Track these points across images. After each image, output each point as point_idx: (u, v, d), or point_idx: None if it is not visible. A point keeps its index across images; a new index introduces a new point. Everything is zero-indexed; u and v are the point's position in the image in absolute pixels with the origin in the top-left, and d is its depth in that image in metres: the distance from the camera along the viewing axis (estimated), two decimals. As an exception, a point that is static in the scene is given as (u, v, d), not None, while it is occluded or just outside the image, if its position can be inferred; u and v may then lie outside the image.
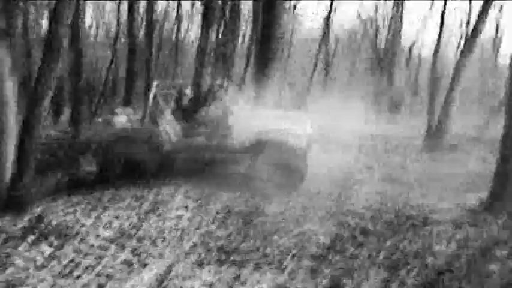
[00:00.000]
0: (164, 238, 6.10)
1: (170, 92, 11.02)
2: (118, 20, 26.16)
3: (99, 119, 11.52)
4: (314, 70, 26.11)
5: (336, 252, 5.34)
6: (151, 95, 10.13)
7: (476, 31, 15.16)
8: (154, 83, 10.35)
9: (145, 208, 7.70)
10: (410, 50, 35.94)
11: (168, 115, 10.34)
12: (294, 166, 9.44)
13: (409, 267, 4.87)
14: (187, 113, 10.70)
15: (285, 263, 4.98)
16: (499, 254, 4.94)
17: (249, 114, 10.17)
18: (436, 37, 19.86)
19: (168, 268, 4.97)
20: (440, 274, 4.62)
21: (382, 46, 34.91)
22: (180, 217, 7.16)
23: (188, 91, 11.13)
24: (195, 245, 5.82)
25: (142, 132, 10.11)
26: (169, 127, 10.23)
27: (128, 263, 5.20)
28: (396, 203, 7.62)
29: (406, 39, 35.80)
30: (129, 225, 6.68)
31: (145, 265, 5.10)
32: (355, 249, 5.48)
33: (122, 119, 10.79)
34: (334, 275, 4.65)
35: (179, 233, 6.34)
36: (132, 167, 10.05)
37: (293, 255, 5.23)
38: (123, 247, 5.69)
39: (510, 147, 6.69)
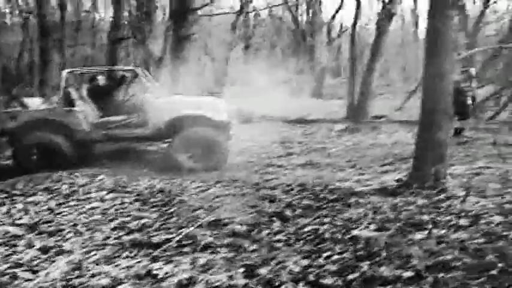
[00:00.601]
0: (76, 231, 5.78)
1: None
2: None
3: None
4: (232, 45, 25.80)
5: (252, 241, 5.12)
6: (62, 84, 9.84)
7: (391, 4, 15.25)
8: (64, 73, 9.98)
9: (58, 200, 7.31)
10: (329, 25, 36.11)
11: (84, 96, 10.17)
12: (214, 143, 9.55)
13: (328, 253, 4.70)
14: (103, 96, 10.55)
15: (198, 255, 4.73)
16: (419, 236, 4.85)
17: (164, 101, 10.03)
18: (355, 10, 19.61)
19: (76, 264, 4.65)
20: (360, 259, 4.48)
21: (304, 20, 34.99)
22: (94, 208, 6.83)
23: (101, 77, 10.98)
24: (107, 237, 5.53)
25: (58, 113, 9.85)
26: (85, 108, 10.01)
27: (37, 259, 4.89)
28: (316, 187, 7.44)
29: (327, 14, 36.10)
30: (39, 220, 6.29)
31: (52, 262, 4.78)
32: (272, 236, 5.28)
33: (37, 101, 10.56)
34: (250, 264, 4.43)
35: (92, 225, 6.01)
36: (47, 153, 9.72)
37: (207, 245, 4.98)
38: (30, 245, 5.33)
39: (426, 120, 6.65)
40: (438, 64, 6.45)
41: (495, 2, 25.36)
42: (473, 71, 12.96)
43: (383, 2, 17.94)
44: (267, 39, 39.06)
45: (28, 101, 10.61)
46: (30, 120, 9.94)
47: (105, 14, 37.09)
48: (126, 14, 18.02)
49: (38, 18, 18.08)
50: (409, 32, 39.11)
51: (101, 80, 11.13)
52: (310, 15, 33.16)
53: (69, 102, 10.01)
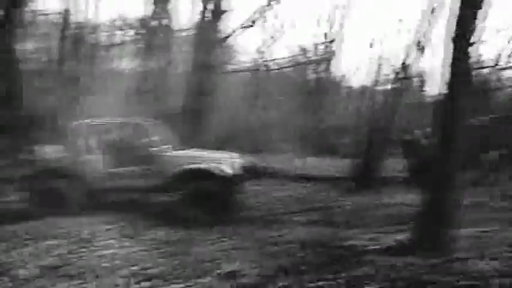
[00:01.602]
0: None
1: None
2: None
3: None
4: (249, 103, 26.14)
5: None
6: (70, 135, 10.43)
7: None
8: (74, 123, 10.49)
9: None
10: (339, 86, 36.39)
11: (94, 146, 10.39)
12: (219, 196, 9.78)
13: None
14: (116, 147, 10.78)
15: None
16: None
17: (173, 154, 10.37)
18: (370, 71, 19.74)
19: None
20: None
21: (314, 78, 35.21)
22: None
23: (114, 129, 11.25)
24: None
25: (70, 162, 10.16)
26: (96, 158, 10.22)
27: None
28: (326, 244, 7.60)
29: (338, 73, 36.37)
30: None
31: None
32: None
33: (49, 150, 10.78)
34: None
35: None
36: (58, 199, 10.04)
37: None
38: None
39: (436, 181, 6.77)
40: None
41: None
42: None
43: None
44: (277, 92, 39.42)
45: (44, 150, 10.81)
46: (42, 169, 10.20)
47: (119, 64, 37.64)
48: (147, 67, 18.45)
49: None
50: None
51: (113, 131, 11.36)
52: (320, 75, 33.54)
53: (79, 152, 10.32)
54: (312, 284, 5.64)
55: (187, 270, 6.20)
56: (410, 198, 10.96)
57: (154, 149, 10.34)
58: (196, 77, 14.25)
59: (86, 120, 11.37)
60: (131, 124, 11.48)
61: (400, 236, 7.54)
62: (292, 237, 8.27)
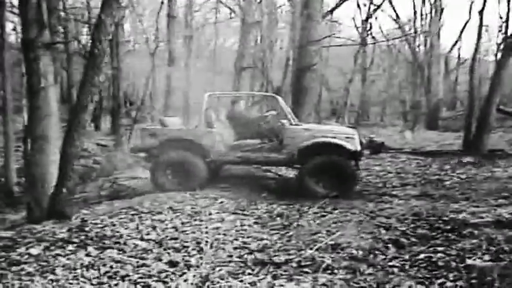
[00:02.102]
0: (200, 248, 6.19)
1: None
2: (157, 28, 26.40)
3: (142, 127, 11.70)
4: (351, 76, 26.05)
5: (368, 265, 5.40)
6: (203, 106, 10.38)
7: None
8: (206, 96, 10.49)
9: (182, 219, 7.79)
10: (446, 57, 35.53)
11: (222, 118, 10.67)
12: (346, 171, 9.94)
13: (442, 280, 4.90)
14: (240, 119, 11.03)
15: (318, 275, 5.04)
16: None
17: (300, 128, 10.38)
18: (475, 41, 19.20)
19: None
20: (473, 287, 4.65)
21: (421, 50, 34.60)
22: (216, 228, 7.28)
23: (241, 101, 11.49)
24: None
25: (198, 134, 10.44)
26: (223, 130, 10.52)
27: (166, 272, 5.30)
28: (430, 217, 7.65)
29: (445, 45, 35.51)
30: (166, 236, 6.77)
31: (181, 275, 5.20)
32: (387, 262, 5.54)
33: (176, 121, 11.13)
34: (367, 286, 4.71)
35: (215, 243, 6.41)
36: (180, 173, 10.36)
37: (326, 267, 5.29)
38: (158, 259, 5.79)
39: None
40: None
41: None
42: None
43: (505, 33, 17.68)
44: (385, 71, 38.92)
45: (168, 120, 11.20)
46: (169, 138, 10.49)
47: (225, 41, 38.33)
48: (252, 43, 18.73)
49: (168, 47, 19.10)
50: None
51: (240, 103, 11.61)
52: (428, 46, 32.77)
53: (208, 123, 10.54)
54: (422, 255, 5.74)
55: (299, 242, 6.38)
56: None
57: (284, 121, 10.47)
58: (300, 53, 14.34)
59: (216, 92, 11.71)
60: (262, 97, 11.69)
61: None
62: (405, 210, 8.32)
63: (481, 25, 18.45)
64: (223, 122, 11.05)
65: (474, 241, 6.05)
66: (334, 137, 10.08)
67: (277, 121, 10.81)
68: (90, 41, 8.25)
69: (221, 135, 10.51)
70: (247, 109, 11.81)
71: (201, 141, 10.38)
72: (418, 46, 34.66)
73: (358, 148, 10.12)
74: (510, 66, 16.26)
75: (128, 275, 5.18)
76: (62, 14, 18.91)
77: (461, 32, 40.54)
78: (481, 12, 18.54)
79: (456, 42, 37.48)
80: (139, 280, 5.04)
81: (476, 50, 18.72)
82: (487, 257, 5.45)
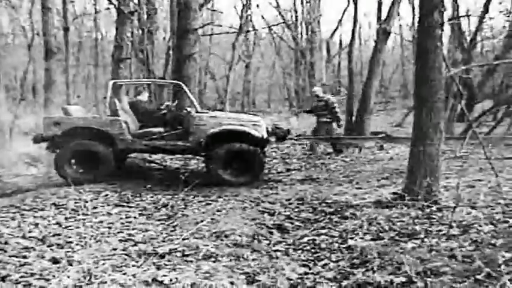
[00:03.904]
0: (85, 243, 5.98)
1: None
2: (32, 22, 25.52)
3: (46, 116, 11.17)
4: (233, 64, 26.04)
5: (252, 250, 5.40)
6: (108, 94, 10.23)
7: (388, 19, 15.46)
8: (110, 83, 10.38)
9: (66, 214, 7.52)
10: (328, 43, 36.41)
11: (126, 107, 10.41)
12: (254, 158, 9.94)
13: (325, 261, 4.96)
14: (143, 107, 10.87)
15: (201, 263, 4.97)
16: (411, 245, 5.10)
17: (207, 115, 10.29)
18: (352, 27, 19.59)
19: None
20: (355, 267, 4.73)
21: (303, 37, 35.19)
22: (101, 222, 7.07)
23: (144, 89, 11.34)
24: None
25: (104, 122, 10.10)
26: (128, 118, 10.27)
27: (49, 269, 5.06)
28: (314, 201, 7.81)
29: (327, 31, 36.42)
30: (49, 233, 6.47)
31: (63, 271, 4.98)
32: (271, 247, 5.58)
33: (79, 110, 10.79)
34: (251, 272, 4.69)
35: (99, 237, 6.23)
36: (87, 161, 10.05)
37: (210, 255, 5.24)
38: (41, 256, 5.53)
39: (419, 135, 6.90)
40: (427, 81, 6.73)
41: (491, 19, 25.71)
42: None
43: (379, 19, 18.20)
44: (267, 58, 39.42)
45: (71, 109, 10.78)
46: (74, 127, 10.08)
47: (106, 34, 37.54)
48: (128, 34, 18.29)
49: (43, 40, 18.35)
50: (408, 49, 39.30)
51: (143, 91, 11.37)
52: (309, 33, 33.40)
53: (113, 111, 10.25)
54: (306, 238, 5.80)
55: (184, 231, 6.28)
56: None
57: (189, 109, 10.41)
58: (180, 42, 14.19)
59: (120, 80, 11.35)
60: (166, 84, 11.52)
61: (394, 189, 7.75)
62: (289, 194, 8.44)
63: (356, 11, 18.84)
64: (127, 110, 10.74)
65: (356, 222, 6.20)
66: (242, 125, 10.09)
67: (182, 109, 10.76)
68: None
69: (127, 123, 10.22)
70: (150, 98, 11.55)
71: (107, 130, 10.06)
72: (300, 33, 35.23)
73: (265, 135, 10.17)
74: (390, 51, 16.84)
75: (8, 275, 4.89)
76: None
77: (341, 18, 41.41)
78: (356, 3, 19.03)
79: (336, 28, 38.25)
80: (20, 279, 4.77)
81: (353, 35, 19.12)
82: (368, 237, 5.59)
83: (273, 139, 10.90)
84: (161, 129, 10.47)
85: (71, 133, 10.01)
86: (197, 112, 10.21)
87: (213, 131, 9.99)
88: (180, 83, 11.23)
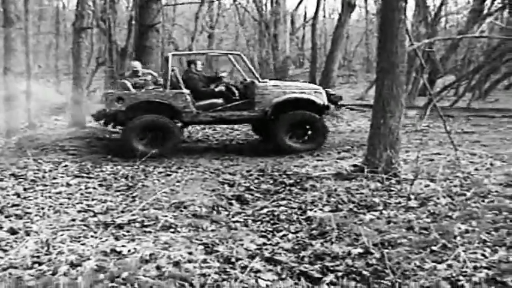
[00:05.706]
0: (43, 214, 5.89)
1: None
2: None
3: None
4: (194, 34, 25.74)
5: (211, 221, 5.39)
6: (169, 67, 10.10)
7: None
8: (170, 55, 10.32)
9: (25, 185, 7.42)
10: (292, 15, 36.33)
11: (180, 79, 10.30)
12: (318, 124, 10.15)
13: (283, 232, 4.98)
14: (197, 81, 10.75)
15: (160, 234, 4.94)
16: (369, 217, 5.14)
17: (270, 85, 10.41)
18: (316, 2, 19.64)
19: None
20: (313, 238, 4.75)
21: (268, 8, 34.98)
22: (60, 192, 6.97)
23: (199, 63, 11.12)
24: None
25: (169, 95, 9.99)
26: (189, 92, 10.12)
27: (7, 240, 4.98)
28: (274, 172, 7.86)
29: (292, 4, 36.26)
30: (7, 203, 6.34)
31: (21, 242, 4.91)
32: (231, 218, 5.61)
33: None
34: (209, 243, 4.67)
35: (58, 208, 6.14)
36: (155, 135, 9.98)
37: (169, 226, 5.23)
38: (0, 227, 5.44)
39: (380, 107, 6.93)
40: (390, 53, 6.74)
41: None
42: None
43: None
44: (232, 29, 39.14)
45: (129, 84, 10.53)
46: (139, 102, 9.92)
47: (68, 2, 36.91)
48: (90, 3, 17.91)
49: (2, 7, 17.87)
50: (372, 22, 39.44)
51: (197, 63, 11.16)
52: (274, 5, 33.20)
53: (174, 84, 10.14)
54: (266, 210, 5.81)
55: (143, 202, 6.22)
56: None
57: (250, 79, 10.50)
58: (142, 12, 13.97)
59: (179, 52, 11.11)
60: (226, 54, 11.34)
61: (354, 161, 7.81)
62: (250, 166, 8.52)
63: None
64: (181, 82, 10.50)
65: (315, 194, 6.24)
66: (304, 93, 10.17)
67: (242, 79, 10.92)
68: None
69: (190, 95, 10.05)
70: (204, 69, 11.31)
71: (172, 103, 9.91)
72: (265, 4, 35.01)
73: (326, 102, 10.21)
74: (354, 24, 16.87)
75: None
76: None
77: (305, -10, 41.42)
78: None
79: (301, 0, 38.19)
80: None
81: (317, 7, 19.17)
82: (327, 208, 5.63)
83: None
84: (219, 101, 10.32)
85: (135, 108, 9.85)
86: (259, 82, 10.21)
87: (278, 99, 10.04)
88: (240, 53, 11.21)
